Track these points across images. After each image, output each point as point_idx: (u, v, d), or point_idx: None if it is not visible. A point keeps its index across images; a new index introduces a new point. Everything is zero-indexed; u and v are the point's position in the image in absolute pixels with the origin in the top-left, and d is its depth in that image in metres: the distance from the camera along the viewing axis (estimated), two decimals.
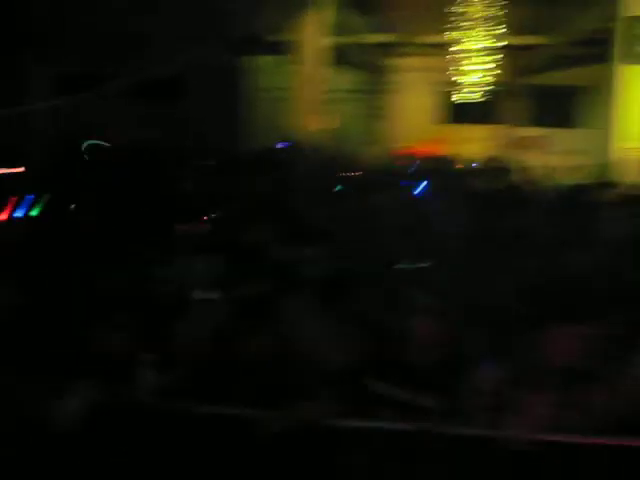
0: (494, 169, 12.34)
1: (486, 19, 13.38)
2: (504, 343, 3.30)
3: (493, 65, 14.48)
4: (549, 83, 19.30)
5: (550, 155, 16.75)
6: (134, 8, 13.39)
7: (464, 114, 18.29)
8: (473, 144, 17.48)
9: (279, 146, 11.89)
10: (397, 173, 10.20)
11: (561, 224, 5.74)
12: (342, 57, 17.58)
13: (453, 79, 15.40)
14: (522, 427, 2.93)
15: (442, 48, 15.14)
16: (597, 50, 14.24)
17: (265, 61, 16.35)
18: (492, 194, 7.57)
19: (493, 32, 13.51)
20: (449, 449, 2.95)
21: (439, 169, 10.70)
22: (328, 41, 14.41)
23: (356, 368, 3.27)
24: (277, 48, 15.03)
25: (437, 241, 4.97)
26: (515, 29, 16.25)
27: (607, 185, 9.00)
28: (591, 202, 6.74)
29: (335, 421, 3.03)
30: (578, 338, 3.21)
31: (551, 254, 4.78)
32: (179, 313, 3.67)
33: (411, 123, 19.07)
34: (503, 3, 13.34)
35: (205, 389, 3.17)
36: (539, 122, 19.57)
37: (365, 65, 19.29)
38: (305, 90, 13.69)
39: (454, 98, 16.28)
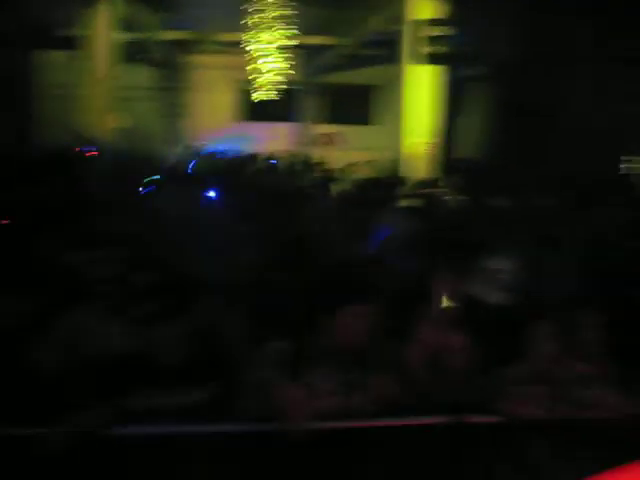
0: (293, 165, 12.66)
1: (279, 18, 13.60)
2: (286, 330, 3.36)
3: (287, 64, 14.76)
4: (344, 82, 20.08)
5: (347, 151, 17.41)
6: None
7: (263, 112, 18.58)
8: (272, 141, 17.82)
9: (75, 147, 11.37)
10: (197, 172, 10.13)
11: (350, 217, 5.99)
12: (137, 54, 17.18)
13: (250, 77, 15.54)
14: (301, 416, 2.97)
15: (239, 46, 15.22)
16: (387, 50, 14.95)
17: (56, 56, 15.59)
18: (290, 190, 7.73)
19: (286, 32, 13.76)
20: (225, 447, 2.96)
21: (238, 167, 10.75)
22: (120, 37, 14.00)
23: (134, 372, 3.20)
24: (68, 43, 14.37)
25: (229, 239, 4.99)
26: (309, 29, 16.69)
27: (395, 180, 9.51)
28: (379, 197, 7.06)
29: (118, 429, 2.94)
30: (360, 320, 3.30)
31: (339, 245, 4.98)
32: None
33: (211, 121, 19.06)
34: (295, 4, 13.62)
35: None
36: (336, 120, 20.33)
37: (162, 62, 18.99)
38: (96, 87, 13.19)
39: (253, 96, 16.44)
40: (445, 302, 3.77)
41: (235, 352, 3.48)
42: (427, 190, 7.94)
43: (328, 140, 18.54)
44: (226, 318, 3.92)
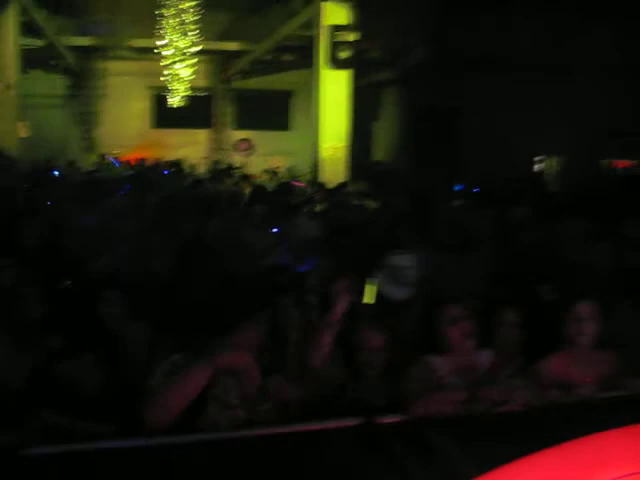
0: (208, 172, 12.51)
1: (194, 24, 13.48)
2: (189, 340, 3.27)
3: (202, 70, 14.66)
4: (263, 87, 19.98)
5: (266, 157, 17.33)
6: None
7: (179, 118, 18.28)
8: (187, 148, 17.62)
9: None
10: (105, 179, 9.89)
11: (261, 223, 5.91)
12: (49, 61, 16.72)
13: (162, 83, 15.35)
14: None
15: (153, 52, 15.00)
16: (302, 56, 14.98)
17: None
18: (199, 197, 7.62)
19: (195, 38, 13.65)
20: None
21: (146, 174, 10.56)
22: (29, 43, 13.57)
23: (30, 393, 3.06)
24: None
25: (135, 248, 4.85)
26: (221, 35, 16.59)
27: (313, 184, 9.51)
28: (288, 202, 7.01)
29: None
30: (265, 326, 3.24)
31: (248, 252, 4.91)
32: None
33: (124, 128, 18.64)
34: (203, 11, 13.53)
35: None
36: (255, 125, 20.17)
37: (74, 69, 18.50)
38: (2, 95, 12.69)
39: (169, 103, 16.22)
40: (351, 301, 3.74)
41: (137, 365, 3.36)
42: (336, 194, 7.93)
43: (246, 146, 18.37)
44: (130, 329, 3.81)
